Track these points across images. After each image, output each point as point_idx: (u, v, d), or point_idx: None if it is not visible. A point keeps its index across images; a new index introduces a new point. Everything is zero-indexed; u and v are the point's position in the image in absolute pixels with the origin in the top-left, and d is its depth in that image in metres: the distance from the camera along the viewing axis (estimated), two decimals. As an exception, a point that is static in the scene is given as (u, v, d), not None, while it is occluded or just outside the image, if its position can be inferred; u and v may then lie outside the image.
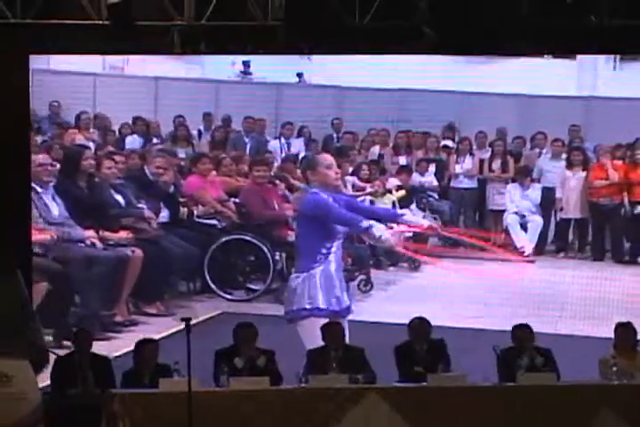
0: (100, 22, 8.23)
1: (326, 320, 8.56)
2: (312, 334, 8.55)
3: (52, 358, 7.85)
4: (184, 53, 8.62)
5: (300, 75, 13.06)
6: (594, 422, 7.72)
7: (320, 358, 8.22)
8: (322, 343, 8.40)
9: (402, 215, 9.39)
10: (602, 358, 8.27)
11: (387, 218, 9.16)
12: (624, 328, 8.50)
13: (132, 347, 9.63)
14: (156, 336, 9.72)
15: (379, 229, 8.67)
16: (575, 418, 7.70)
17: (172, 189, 11.11)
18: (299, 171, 11.67)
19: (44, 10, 8.27)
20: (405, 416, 7.64)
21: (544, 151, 12.73)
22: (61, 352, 8.37)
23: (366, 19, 8.28)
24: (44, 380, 7.55)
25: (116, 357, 9.44)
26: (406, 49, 8.57)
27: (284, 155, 12.44)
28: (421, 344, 8.41)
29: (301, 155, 12.42)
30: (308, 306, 8.58)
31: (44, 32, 8.26)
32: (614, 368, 8.01)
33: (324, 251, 8.61)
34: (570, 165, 12.38)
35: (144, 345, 8.25)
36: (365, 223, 8.61)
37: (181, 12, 8.37)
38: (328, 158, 8.90)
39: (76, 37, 8.31)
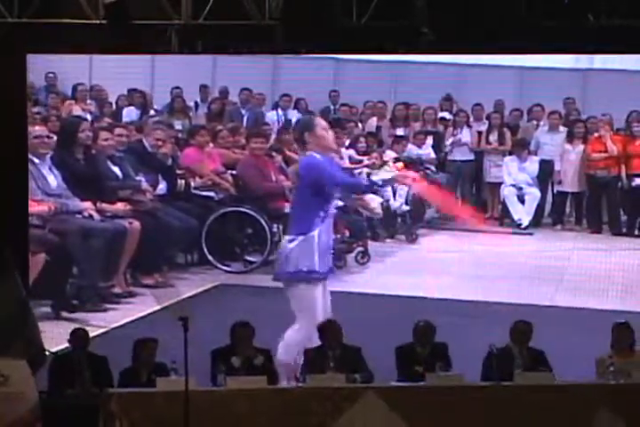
0: (98, 22, 8.25)
1: (318, 285, 8.60)
2: (302, 299, 8.59)
3: (49, 357, 7.92)
4: (181, 53, 8.64)
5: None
6: (592, 422, 7.71)
7: (317, 358, 8.22)
8: (310, 310, 8.47)
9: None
10: (599, 357, 8.25)
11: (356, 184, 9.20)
12: (621, 328, 8.45)
13: (129, 319, 9.76)
14: (154, 308, 9.97)
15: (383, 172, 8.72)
16: (573, 417, 7.69)
17: (170, 161, 11.09)
18: (294, 145, 11.61)
19: (41, 9, 8.30)
20: (403, 416, 7.64)
21: (541, 124, 12.70)
22: (59, 352, 8.37)
23: (364, 18, 8.28)
24: (42, 379, 7.59)
25: (114, 328, 9.51)
26: (404, 49, 8.58)
27: (280, 126, 12.37)
28: (424, 347, 8.39)
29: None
30: (305, 268, 8.55)
31: (42, 31, 8.25)
32: (611, 368, 7.99)
33: (321, 214, 8.59)
34: (571, 138, 12.36)
35: (142, 344, 8.21)
36: (367, 183, 8.74)
37: (178, 11, 8.39)
38: (324, 122, 8.86)
39: (73, 37, 8.33)
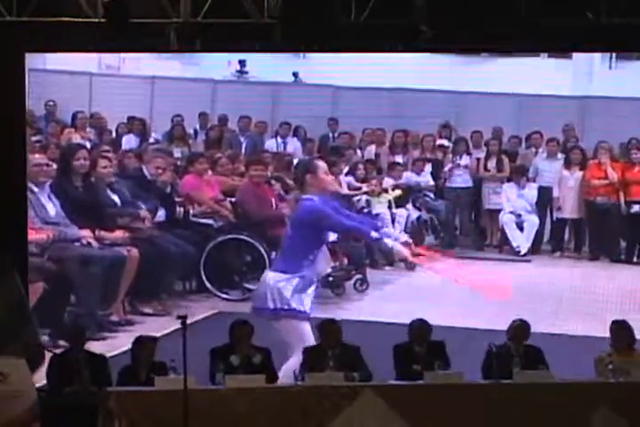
0: (97, 20, 8.23)
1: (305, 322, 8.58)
2: (290, 332, 8.60)
3: (48, 356, 8.00)
4: (180, 51, 8.63)
5: (295, 74, 13.04)
6: (591, 420, 7.74)
7: (316, 356, 8.24)
8: (302, 340, 8.47)
9: (380, 229, 9.16)
10: (598, 356, 8.30)
11: (361, 233, 9.08)
12: (619, 326, 8.54)
13: (127, 346, 9.65)
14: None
15: (389, 241, 8.70)
16: (572, 416, 7.72)
17: (169, 188, 11.11)
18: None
19: (40, 8, 8.29)
20: (402, 414, 7.65)
21: (540, 151, 12.71)
22: (57, 351, 8.40)
23: (362, 17, 8.27)
24: (41, 378, 7.62)
25: (112, 356, 9.42)
26: (403, 48, 8.57)
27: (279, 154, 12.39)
28: (421, 346, 8.41)
29: (297, 155, 12.38)
30: (285, 307, 8.55)
31: (41, 30, 8.24)
32: (610, 366, 8.04)
33: (311, 257, 8.65)
34: (568, 165, 12.37)
35: (142, 343, 8.27)
36: (375, 234, 8.66)
37: (177, 9, 8.38)
38: (323, 164, 8.92)
39: (72, 35, 8.32)
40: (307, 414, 7.60)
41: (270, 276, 8.71)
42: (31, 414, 6.78)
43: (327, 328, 8.36)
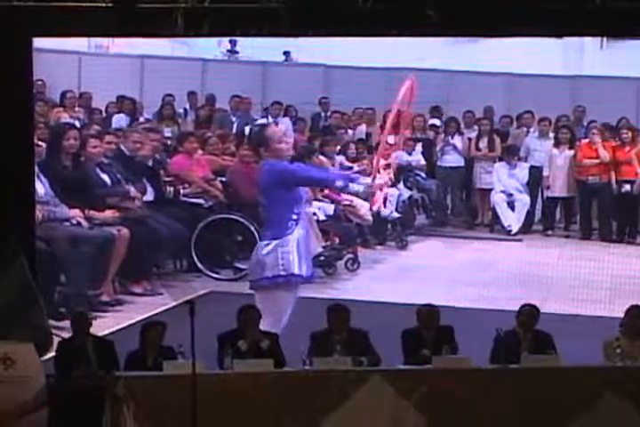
0: (103, 5, 8.18)
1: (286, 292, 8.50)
2: (275, 304, 8.50)
3: (56, 340, 7.94)
4: (187, 36, 8.56)
5: (286, 53, 13.02)
6: (598, 404, 7.66)
7: (324, 341, 8.17)
8: (279, 315, 8.41)
9: (355, 180, 8.74)
10: (606, 340, 8.21)
11: (327, 182, 8.95)
12: (636, 311, 8.33)
13: (118, 326, 9.68)
14: (142, 316, 9.75)
15: (356, 185, 8.56)
16: (579, 400, 7.65)
17: (150, 162, 10.97)
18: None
19: None
20: (409, 398, 7.60)
21: (531, 130, 12.75)
22: (65, 336, 8.28)
23: (369, 1, 8.22)
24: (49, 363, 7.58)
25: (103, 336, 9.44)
26: (410, 32, 8.51)
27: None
28: (429, 331, 8.33)
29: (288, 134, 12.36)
30: (283, 273, 8.41)
31: (48, 15, 8.19)
32: (618, 350, 7.96)
33: (293, 217, 8.42)
34: (557, 144, 12.39)
35: (150, 327, 8.16)
36: (340, 183, 8.48)
37: None
38: (278, 131, 8.64)
39: (78, 20, 8.25)
40: (315, 398, 7.55)
41: (261, 246, 8.55)
42: (38, 399, 6.77)
43: (335, 313, 8.23)
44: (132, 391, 7.38)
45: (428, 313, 8.35)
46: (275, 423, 7.48)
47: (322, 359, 7.83)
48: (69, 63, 12.14)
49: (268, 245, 8.47)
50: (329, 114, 12.94)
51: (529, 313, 8.36)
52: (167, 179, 11.09)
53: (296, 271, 8.45)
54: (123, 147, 10.83)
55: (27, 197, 8.69)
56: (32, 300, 7.20)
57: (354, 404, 7.57)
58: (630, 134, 12.26)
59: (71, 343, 8.05)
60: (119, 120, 12.08)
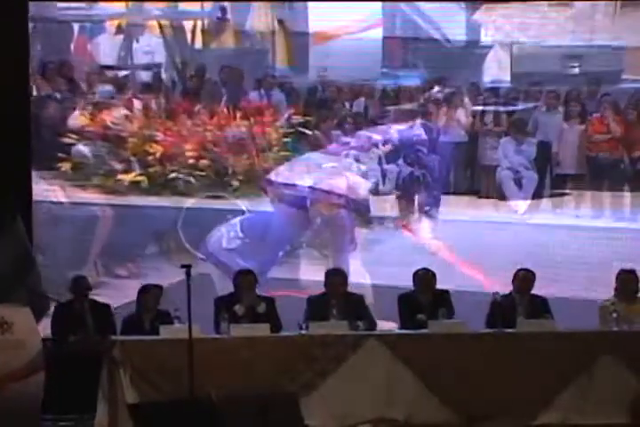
0: None
1: None
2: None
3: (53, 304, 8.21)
4: (176, 0, 8.40)
5: (281, 21, 12.72)
6: (593, 369, 7.94)
7: (320, 306, 8.45)
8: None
9: None
10: (601, 304, 8.46)
11: None
12: (627, 275, 8.64)
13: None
14: (128, 300, 9.59)
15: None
16: (575, 364, 7.93)
17: (136, 137, 10.79)
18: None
19: None
20: (405, 362, 7.86)
21: (540, 104, 12.33)
22: (62, 300, 8.55)
23: None
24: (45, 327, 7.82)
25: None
26: None
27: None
28: (426, 295, 8.55)
29: (281, 107, 11.99)
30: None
31: None
32: (614, 315, 8.16)
33: None
34: (567, 118, 12.07)
35: (147, 290, 8.41)
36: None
37: None
38: None
39: None
40: (311, 362, 7.82)
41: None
42: (34, 364, 6.82)
43: (331, 278, 8.55)
44: (128, 355, 7.64)
45: (425, 276, 8.65)
46: (272, 386, 7.65)
47: (318, 324, 8.11)
48: (50, 32, 11.74)
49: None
50: (326, 86, 12.56)
51: (524, 277, 8.70)
52: (153, 156, 10.87)
53: None
54: (107, 121, 10.70)
55: (22, 158, 9.12)
56: (29, 264, 7.34)
57: (350, 367, 7.84)
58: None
59: (69, 307, 8.36)
60: (103, 92, 11.62)
